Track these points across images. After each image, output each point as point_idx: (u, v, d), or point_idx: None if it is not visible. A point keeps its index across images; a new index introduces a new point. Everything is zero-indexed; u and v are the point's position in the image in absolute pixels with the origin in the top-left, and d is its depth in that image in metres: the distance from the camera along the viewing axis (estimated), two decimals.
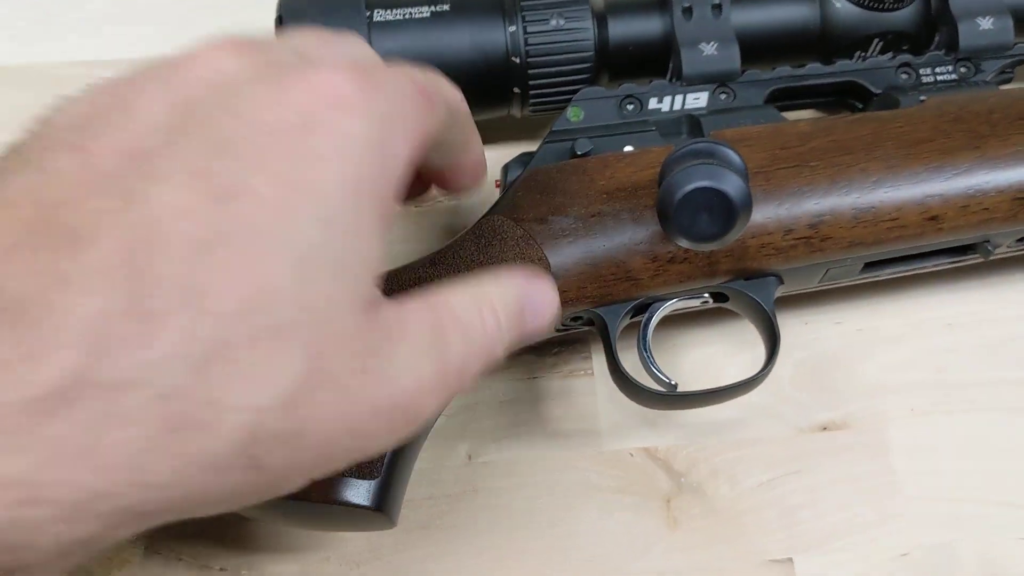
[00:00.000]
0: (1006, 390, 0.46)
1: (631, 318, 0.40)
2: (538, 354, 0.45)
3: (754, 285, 0.39)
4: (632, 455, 0.44)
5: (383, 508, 0.35)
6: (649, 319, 0.39)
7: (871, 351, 0.46)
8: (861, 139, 0.39)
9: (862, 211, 0.38)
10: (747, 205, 0.33)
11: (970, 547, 0.43)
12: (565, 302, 0.38)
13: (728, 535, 0.43)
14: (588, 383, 0.45)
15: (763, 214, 0.38)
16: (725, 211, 0.33)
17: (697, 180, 0.32)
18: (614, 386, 0.41)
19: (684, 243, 0.34)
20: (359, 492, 0.34)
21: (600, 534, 0.42)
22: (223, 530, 0.41)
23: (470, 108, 0.36)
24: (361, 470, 0.35)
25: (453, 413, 0.44)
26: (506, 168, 0.42)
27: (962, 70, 0.43)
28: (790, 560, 0.42)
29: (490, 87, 0.43)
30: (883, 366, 0.46)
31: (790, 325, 0.46)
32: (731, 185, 0.32)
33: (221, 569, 0.41)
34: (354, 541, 0.42)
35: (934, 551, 0.43)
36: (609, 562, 0.42)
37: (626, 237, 0.38)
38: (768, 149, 0.39)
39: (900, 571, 0.42)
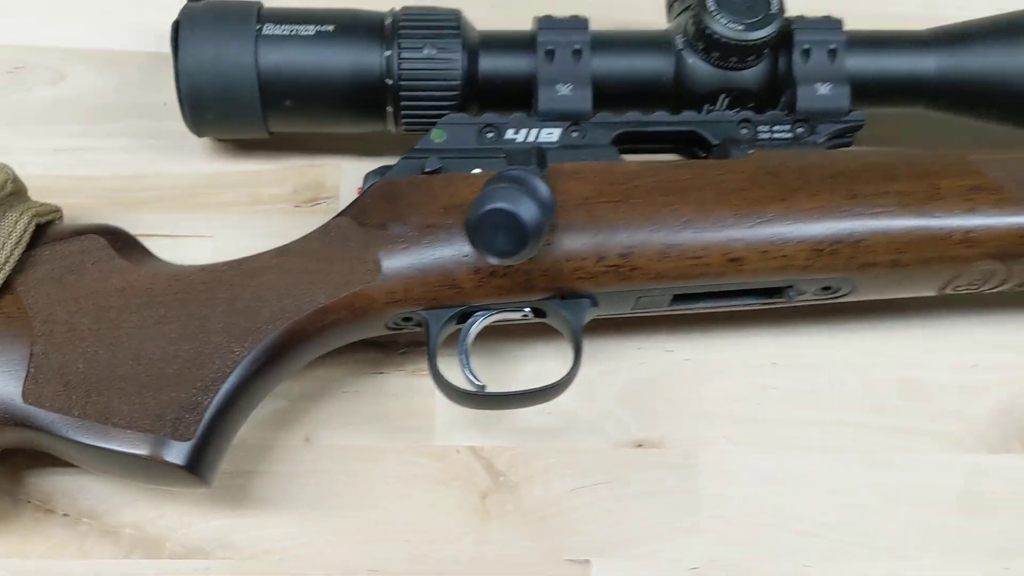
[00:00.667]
0: (813, 430, 0.50)
1: (457, 324, 0.44)
2: (385, 352, 0.49)
3: (568, 304, 0.44)
4: (459, 451, 0.48)
5: (195, 470, 0.39)
6: (470, 326, 0.43)
7: (696, 380, 0.50)
8: (682, 183, 0.44)
9: (669, 247, 0.43)
10: (538, 229, 0.37)
11: (758, 568, 0.47)
12: (394, 302, 0.42)
13: (535, 532, 0.47)
14: (428, 383, 0.48)
15: (580, 241, 0.42)
16: (518, 232, 0.37)
17: (496, 201, 0.37)
18: None
19: (485, 257, 0.38)
20: (173, 451, 0.38)
21: (418, 520, 0.46)
22: (74, 478, 0.45)
23: (347, 124, 0.41)
24: (177, 431, 0.38)
25: (295, 399, 0.48)
26: (367, 177, 0.46)
27: (799, 130, 0.48)
28: (588, 561, 0.46)
29: (366, 104, 0.48)
30: (705, 395, 0.50)
31: (623, 348, 0.51)
32: (526, 210, 0.37)
33: (64, 515, 0.45)
34: (190, 501, 0.45)
35: (724, 568, 0.47)
36: (422, 546, 0.46)
37: (455, 249, 0.42)
38: (596, 183, 0.43)
39: None
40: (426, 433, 0.48)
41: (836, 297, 0.46)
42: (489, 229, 0.37)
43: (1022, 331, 0.53)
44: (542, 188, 0.38)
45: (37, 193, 0.46)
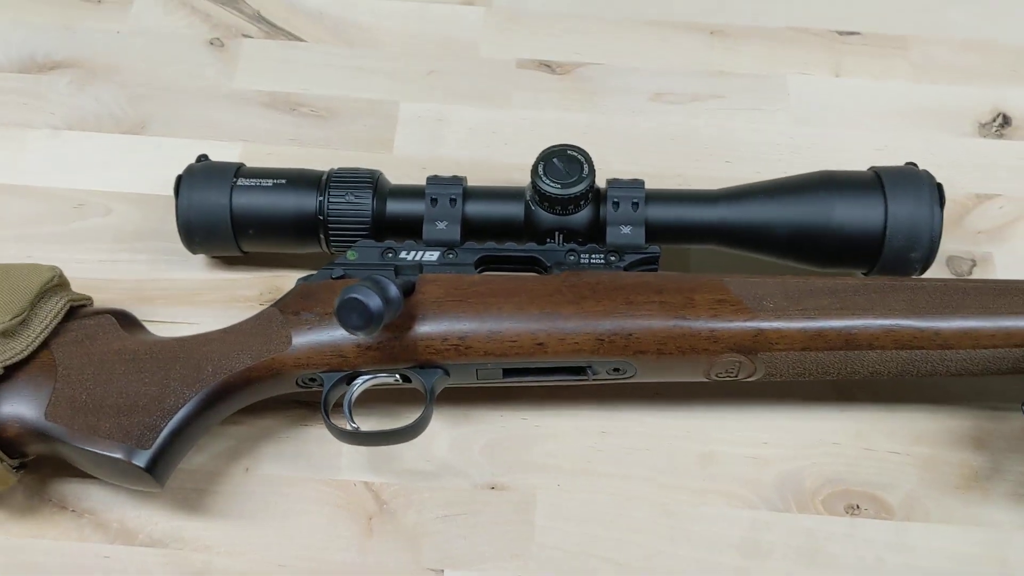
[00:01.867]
0: (626, 483, 0.65)
1: (346, 384, 0.62)
2: (310, 409, 0.68)
3: (425, 372, 0.61)
4: (355, 485, 0.65)
5: (152, 471, 0.57)
6: (354, 386, 0.62)
7: (541, 441, 0.67)
8: (506, 289, 0.62)
9: (494, 333, 0.60)
10: (380, 315, 0.55)
11: None
12: (299, 366, 0.61)
13: (405, 547, 0.63)
14: None
15: (430, 327, 0.61)
16: (365, 314, 0.56)
17: (352, 292, 0.56)
18: None
19: (347, 330, 0.57)
20: (137, 456, 0.57)
21: (319, 532, 0.63)
22: (80, 485, 0.64)
23: (294, 246, 0.63)
24: (141, 442, 0.57)
25: (241, 439, 0.66)
26: (297, 281, 0.65)
27: (611, 258, 0.65)
28: (442, 571, 0.62)
29: (305, 233, 0.68)
30: (547, 452, 0.66)
31: (489, 415, 0.68)
32: (372, 300, 0.55)
33: (72, 510, 0.64)
34: (158, 506, 0.64)
35: None
36: (319, 551, 0.63)
37: (343, 330, 0.61)
38: (447, 288, 0.62)
39: None
40: (334, 470, 0.66)
41: (625, 377, 0.63)
42: (346, 310, 0.56)
43: (806, 419, 0.68)
44: (391, 289, 0.57)
45: (81, 288, 0.67)
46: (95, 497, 0.64)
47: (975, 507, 0.64)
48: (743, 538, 0.64)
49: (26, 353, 0.60)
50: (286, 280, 0.72)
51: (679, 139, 0.81)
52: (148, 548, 0.63)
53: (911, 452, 0.66)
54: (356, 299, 0.55)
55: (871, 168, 0.68)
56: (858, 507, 0.65)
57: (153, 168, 0.78)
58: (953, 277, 0.73)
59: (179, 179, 0.68)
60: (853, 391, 0.69)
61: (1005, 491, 0.65)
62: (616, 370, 0.62)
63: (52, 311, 0.62)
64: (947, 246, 0.73)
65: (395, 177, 0.70)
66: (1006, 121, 0.82)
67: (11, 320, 0.60)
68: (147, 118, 0.81)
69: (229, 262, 0.73)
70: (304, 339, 0.61)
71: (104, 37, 0.85)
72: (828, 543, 0.63)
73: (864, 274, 0.67)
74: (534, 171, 0.65)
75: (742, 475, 0.66)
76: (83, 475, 0.63)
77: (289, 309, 0.62)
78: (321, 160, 0.70)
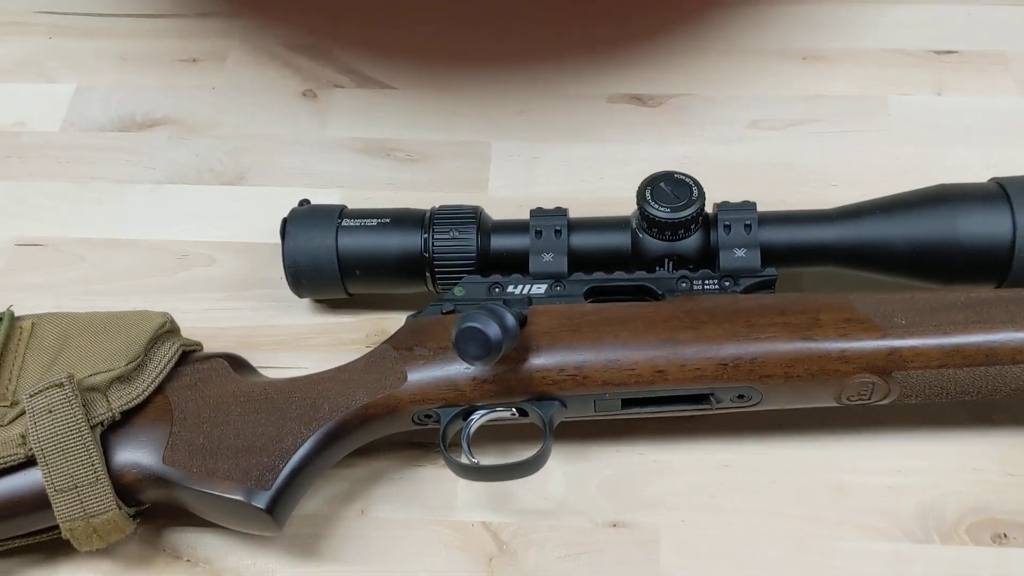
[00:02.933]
0: (755, 518, 0.62)
1: (463, 420, 0.61)
2: (424, 450, 0.66)
3: (542, 405, 0.60)
4: (473, 525, 0.63)
5: (272, 512, 0.56)
6: (471, 421, 0.60)
7: (661, 476, 0.65)
8: (621, 317, 0.60)
9: (611, 362, 0.59)
10: (498, 343, 0.54)
11: None
12: (415, 401, 0.60)
13: None
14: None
15: (546, 358, 0.59)
16: (484, 344, 0.54)
17: (470, 321, 0.54)
18: None
19: (465, 361, 0.55)
20: (257, 497, 0.56)
21: (437, 574, 0.62)
22: (195, 534, 0.63)
23: (400, 286, 0.64)
24: (260, 483, 0.56)
25: (355, 482, 0.65)
26: (407, 318, 0.64)
27: (725, 283, 0.64)
28: None
29: (411, 272, 0.67)
30: (668, 488, 0.64)
31: (605, 451, 0.66)
32: (491, 329, 0.54)
33: (187, 560, 0.63)
34: (273, 554, 0.62)
35: None
36: None
37: (458, 364, 0.60)
38: (559, 319, 0.61)
39: None
40: (449, 510, 0.64)
41: (750, 405, 0.60)
42: (463, 340, 0.55)
43: (942, 444, 0.65)
44: (508, 318, 0.56)
45: (191, 334, 0.67)
46: (209, 546, 0.63)
47: None
48: (885, 573, 0.60)
49: (142, 398, 0.60)
50: (391, 322, 0.72)
51: (780, 165, 0.79)
52: None
53: None
54: (475, 328, 0.54)
55: (992, 179, 0.65)
56: (1005, 536, 0.61)
57: (254, 217, 0.78)
58: None
59: (284, 222, 0.68)
60: (989, 413, 0.66)
61: None
62: (741, 396, 0.60)
63: (166, 356, 0.62)
64: None
65: (494, 216, 0.69)
66: None
67: (127, 365, 0.60)
68: (245, 170, 0.81)
69: (333, 305, 0.73)
70: (419, 375, 0.60)
71: (200, 93, 0.87)
72: (978, 575, 0.59)
73: (995, 287, 0.64)
74: (641, 196, 0.64)
75: (879, 506, 0.62)
76: (197, 524, 0.62)
77: (402, 345, 0.61)
78: (418, 203, 0.69)
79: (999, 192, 0.63)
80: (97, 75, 0.88)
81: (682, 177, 0.64)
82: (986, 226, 0.62)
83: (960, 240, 0.62)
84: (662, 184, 0.64)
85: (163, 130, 0.84)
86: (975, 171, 0.77)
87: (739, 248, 0.64)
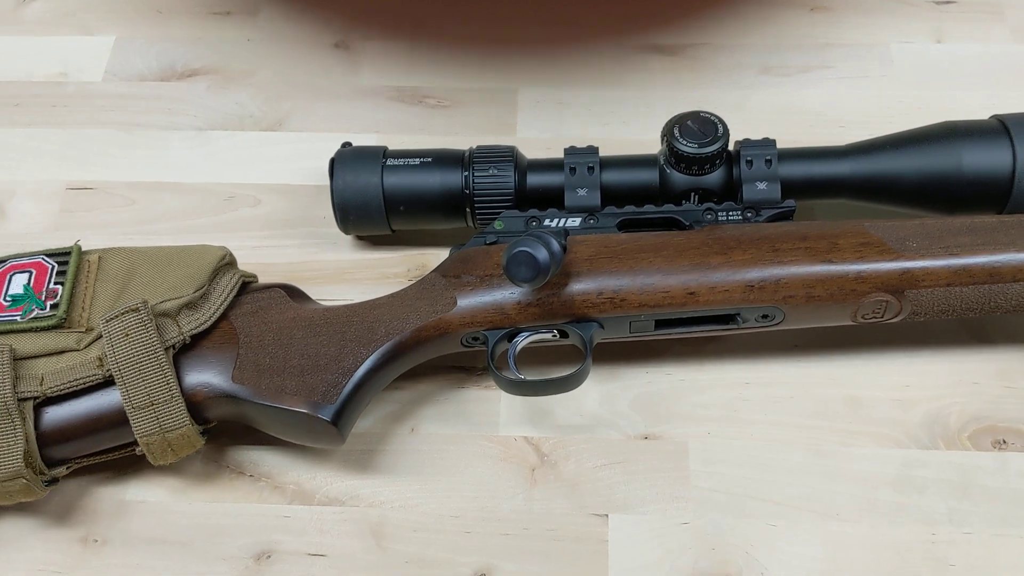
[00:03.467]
0: (774, 429, 0.68)
1: (508, 341, 0.66)
2: (467, 373, 0.71)
3: (582, 326, 0.65)
4: (516, 440, 0.68)
5: (337, 424, 0.61)
6: (516, 342, 0.65)
7: (688, 393, 0.70)
8: (654, 245, 0.65)
9: (646, 286, 0.64)
10: (547, 267, 0.59)
11: (730, 523, 0.64)
12: (464, 324, 0.64)
13: (567, 494, 0.66)
14: (497, 393, 0.70)
15: (585, 283, 0.64)
16: (533, 266, 0.59)
17: (520, 246, 0.59)
18: (513, 396, 0.66)
19: (512, 282, 0.60)
20: (323, 410, 0.61)
21: (485, 484, 0.66)
22: (257, 451, 0.68)
23: (441, 221, 0.67)
24: (325, 398, 0.61)
25: (405, 403, 0.70)
26: (451, 249, 0.69)
27: (747, 214, 0.68)
28: (606, 516, 0.65)
29: (452, 208, 0.71)
30: (694, 404, 0.69)
31: (636, 372, 0.71)
32: (539, 253, 0.59)
33: (249, 475, 0.67)
34: (332, 467, 0.67)
35: (707, 522, 0.64)
36: (487, 500, 0.66)
37: (503, 290, 0.64)
38: (596, 247, 0.65)
39: (681, 532, 0.64)
40: (493, 427, 0.69)
41: (773, 324, 0.65)
42: (515, 263, 0.59)
43: (945, 362, 0.70)
44: (554, 243, 0.60)
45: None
46: (270, 463, 0.68)
47: None
48: (897, 475, 0.65)
49: (210, 323, 0.64)
50: (431, 257, 0.76)
51: (792, 109, 0.84)
52: (325, 507, 0.66)
53: None
54: (526, 252, 0.59)
55: (993, 116, 0.70)
56: (1004, 442, 0.66)
57: (295, 160, 0.82)
58: None
59: (332, 162, 0.72)
60: (989, 333, 0.71)
61: None
62: (765, 316, 0.65)
63: (228, 285, 0.66)
64: None
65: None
66: None
67: (194, 292, 0.64)
68: (284, 116, 0.85)
69: (375, 242, 0.77)
70: (468, 300, 0.64)
71: (235, 46, 0.90)
72: (980, 477, 0.65)
73: (997, 213, 0.69)
74: (669, 133, 0.68)
75: (888, 416, 0.68)
76: (258, 442, 0.67)
77: (450, 273, 0.66)
78: (452, 146, 0.73)
79: (1000, 127, 0.68)
80: (135, 27, 0.92)
81: (708, 115, 0.69)
82: (988, 158, 0.67)
83: (964, 171, 0.67)
84: (689, 122, 0.69)
85: (202, 80, 0.88)
86: (975, 111, 0.81)
87: (760, 181, 0.69)
